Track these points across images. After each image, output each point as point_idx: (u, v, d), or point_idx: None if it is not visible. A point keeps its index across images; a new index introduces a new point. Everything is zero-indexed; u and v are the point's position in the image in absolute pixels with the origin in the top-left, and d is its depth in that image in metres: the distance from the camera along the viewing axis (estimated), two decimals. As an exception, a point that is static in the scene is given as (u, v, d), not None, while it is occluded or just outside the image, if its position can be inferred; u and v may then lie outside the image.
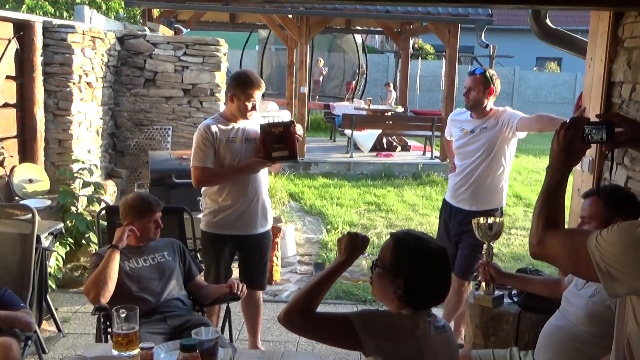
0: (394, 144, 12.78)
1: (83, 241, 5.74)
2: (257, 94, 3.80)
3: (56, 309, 4.76)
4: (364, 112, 13.43)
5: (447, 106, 11.72)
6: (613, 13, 3.21)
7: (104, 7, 14.35)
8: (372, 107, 13.94)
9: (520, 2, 2.51)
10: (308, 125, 13.86)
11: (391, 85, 17.52)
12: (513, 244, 7.33)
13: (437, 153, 11.99)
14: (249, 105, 3.78)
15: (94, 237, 5.74)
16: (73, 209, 5.85)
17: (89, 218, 5.80)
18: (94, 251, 5.83)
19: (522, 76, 24.22)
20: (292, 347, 4.56)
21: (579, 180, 3.56)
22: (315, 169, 11.26)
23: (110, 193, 6.71)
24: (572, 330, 2.65)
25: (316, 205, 8.78)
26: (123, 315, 2.55)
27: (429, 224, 8.04)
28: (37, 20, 5.91)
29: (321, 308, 2.15)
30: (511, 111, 4.16)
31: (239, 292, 3.46)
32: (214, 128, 3.77)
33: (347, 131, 11.95)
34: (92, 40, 6.54)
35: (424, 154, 12.42)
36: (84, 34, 6.31)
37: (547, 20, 3.90)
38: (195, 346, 2.21)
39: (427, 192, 10.01)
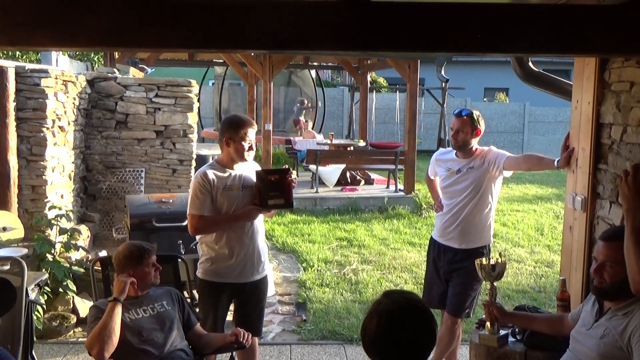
0: (358, 177, 12.88)
1: (60, 289, 5.59)
2: (251, 133, 3.82)
3: (39, 362, 4.62)
4: (327, 147, 13.51)
5: (409, 140, 11.90)
6: (599, 58, 3.36)
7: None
8: (335, 141, 14.05)
9: (504, 51, 2.62)
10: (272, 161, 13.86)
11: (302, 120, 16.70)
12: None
13: (401, 186, 12.12)
14: (246, 145, 3.80)
15: (72, 285, 5.61)
16: (49, 256, 5.71)
17: (65, 265, 5.67)
18: (71, 299, 5.72)
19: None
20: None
21: (570, 218, 3.67)
22: (282, 205, 11.18)
23: (84, 238, 6.58)
24: (586, 369, 2.71)
25: (288, 242, 8.77)
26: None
27: (402, 258, 8.12)
28: (10, 66, 5.81)
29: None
30: (497, 150, 4.28)
31: (244, 341, 3.44)
32: (211, 175, 3.76)
33: (312, 166, 11.99)
34: (64, 84, 6.46)
35: (387, 187, 12.53)
36: (56, 78, 6.24)
37: (530, 63, 4.04)
38: None
39: (395, 225, 10.10)
